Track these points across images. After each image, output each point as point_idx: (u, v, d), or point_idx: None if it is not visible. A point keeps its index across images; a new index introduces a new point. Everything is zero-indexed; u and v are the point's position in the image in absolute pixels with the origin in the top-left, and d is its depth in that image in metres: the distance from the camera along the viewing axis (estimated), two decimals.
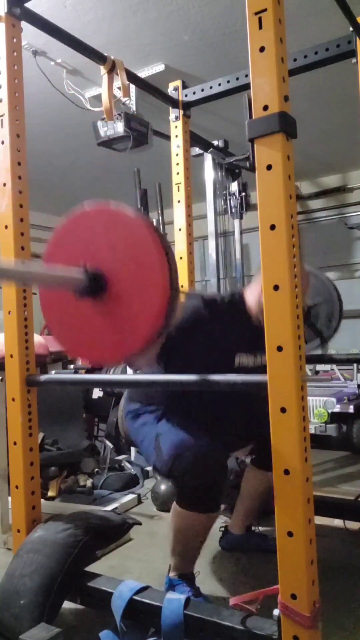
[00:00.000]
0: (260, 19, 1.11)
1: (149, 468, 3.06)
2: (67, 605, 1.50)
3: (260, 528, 2.18)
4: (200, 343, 1.62)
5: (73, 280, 1.20)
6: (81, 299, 1.21)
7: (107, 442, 3.40)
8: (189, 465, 1.51)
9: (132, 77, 2.18)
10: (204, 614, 1.29)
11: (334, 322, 2.27)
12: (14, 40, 1.59)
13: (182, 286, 2.61)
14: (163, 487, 2.68)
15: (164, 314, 1.16)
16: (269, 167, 1.10)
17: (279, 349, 1.09)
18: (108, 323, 1.22)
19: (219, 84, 2.38)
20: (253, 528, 2.17)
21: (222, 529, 2.17)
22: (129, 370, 3.49)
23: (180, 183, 2.43)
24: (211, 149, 3.43)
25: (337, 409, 3.53)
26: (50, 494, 2.80)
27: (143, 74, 3.10)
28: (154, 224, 1.20)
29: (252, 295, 1.74)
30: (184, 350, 1.59)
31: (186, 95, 2.45)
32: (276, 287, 1.10)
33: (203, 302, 1.71)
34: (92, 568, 1.57)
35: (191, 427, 1.64)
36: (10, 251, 1.57)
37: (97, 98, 2.84)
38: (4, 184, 1.57)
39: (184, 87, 2.46)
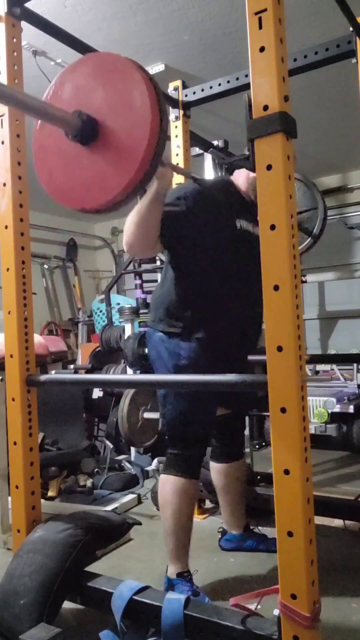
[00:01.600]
0: (260, 19, 1.11)
1: (149, 468, 3.06)
2: (67, 605, 1.50)
3: (259, 528, 2.18)
4: (203, 210, 1.67)
5: (67, 119, 1.24)
6: (74, 144, 1.28)
7: (107, 442, 3.40)
8: (182, 444, 1.76)
9: None
10: (204, 614, 1.29)
11: (318, 227, 2.45)
12: (14, 40, 1.59)
13: None
14: None
15: (152, 153, 1.20)
16: (269, 167, 1.10)
17: (279, 349, 1.09)
18: (97, 166, 1.26)
19: (219, 84, 2.38)
20: (252, 527, 2.16)
21: (221, 529, 2.17)
22: (129, 371, 3.50)
23: (180, 183, 2.43)
24: (211, 149, 3.42)
25: (337, 409, 3.52)
26: (50, 494, 2.80)
27: None
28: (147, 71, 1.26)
29: (240, 177, 1.84)
30: (188, 224, 1.65)
31: (186, 95, 2.45)
32: (276, 287, 1.10)
33: (198, 182, 1.78)
34: (92, 568, 1.57)
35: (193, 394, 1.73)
36: (10, 251, 1.57)
37: None
38: (4, 184, 1.57)
39: (184, 87, 2.46)
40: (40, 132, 1.39)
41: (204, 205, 1.67)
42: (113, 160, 1.23)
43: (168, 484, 1.75)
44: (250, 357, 1.94)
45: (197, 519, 2.51)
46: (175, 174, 1.67)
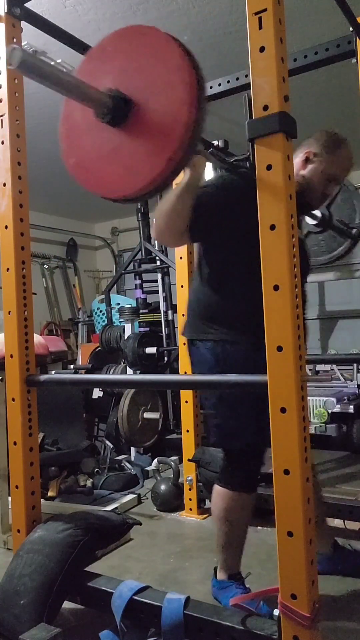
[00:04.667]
0: (260, 19, 1.11)
1: (149, 468, 3.06)
2: (67, 605, 1.50)
3: (350, 545, 1.97)
4: (239, 210, 1.51)
5: (97, 98, 1.14)
6: (103, 125, 1.18)
7: (107, 442, 3.40)
8: (238, 459, 1.64)
9: None
10: (204, 614, 1.29)
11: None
12: (14, 40, 1.59)
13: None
14: (163, 487, 2.68)
15: (190, 137, 1.09)
16: (269, 167, 1.10)
17: (279, 349, 1.09)
18: (128, 150, 1.16)
19: (219, 84, 2.38)
20: (342, 544, 1.94)
21: None
22: (129, 371, 3.50)
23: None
24: (211, 149, 3.43)
25: (337, 409, 3.52)
26: (50, 494, 2.80)
27: None
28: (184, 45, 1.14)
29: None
30: (220, 217, 1.55)
31: None
32: (276, 287, 1.10)
33: (237, 173, 1.69)
34: (92, 568, 1.57)
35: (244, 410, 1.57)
36: (10, 251, 1.57)
37: None
38: (4, 184, 1.57)
39: None
40: (68, 113, 1.28)
41: (239, 199, 1.50)
42: (146, 143, 1.15)
43: (231, 501, 1.63)
44: None
45: (197, 519, 2.51)
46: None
